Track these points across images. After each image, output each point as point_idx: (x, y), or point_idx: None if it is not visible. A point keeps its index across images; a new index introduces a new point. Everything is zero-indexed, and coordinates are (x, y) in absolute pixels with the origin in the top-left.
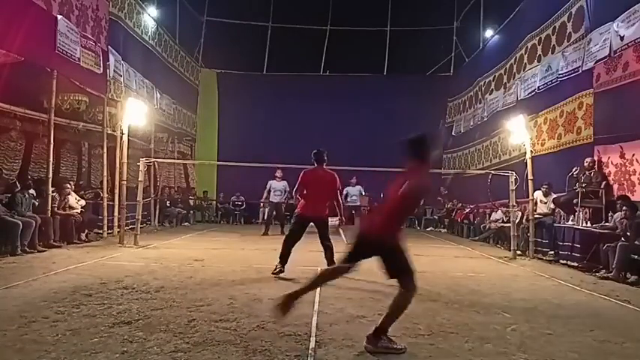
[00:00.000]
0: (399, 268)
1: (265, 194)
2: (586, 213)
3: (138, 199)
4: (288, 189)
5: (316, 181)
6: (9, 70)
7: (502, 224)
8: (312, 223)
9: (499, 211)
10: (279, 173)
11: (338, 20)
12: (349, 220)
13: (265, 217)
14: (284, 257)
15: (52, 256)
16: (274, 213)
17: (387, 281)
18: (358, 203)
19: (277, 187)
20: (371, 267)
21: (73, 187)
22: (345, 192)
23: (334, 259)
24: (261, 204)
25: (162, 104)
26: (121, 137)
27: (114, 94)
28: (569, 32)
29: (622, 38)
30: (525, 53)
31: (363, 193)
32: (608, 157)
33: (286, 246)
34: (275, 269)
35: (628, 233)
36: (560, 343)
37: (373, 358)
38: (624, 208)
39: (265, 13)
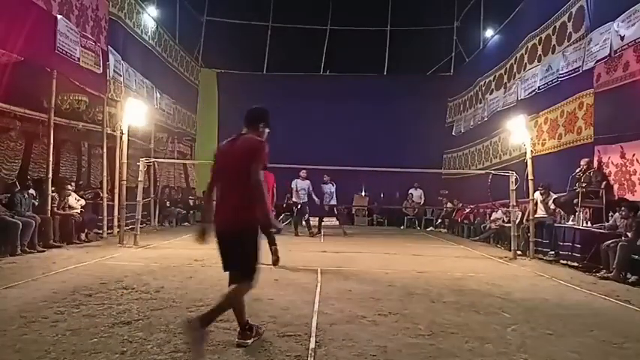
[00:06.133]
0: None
1: (294, 194)
2: (586, 213)
3: (138, 199)
4: (311, 188)
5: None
6: (9, 70)
7: (502, 224)
8: None
9: (499, 211)
10: (303, 173)
11: (338, 20)
12: None
13: (294, 218)
14: None
15: (51, 256)
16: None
17: (386, 282)
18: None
19: (302, 185)
20: (370, 267)
21: (74, 187)
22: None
23: None
24: None
25: (162, 104)
26: (121, 137)
27: (114, 94)
28: (570, 32)
29: (622, 38)
30: (526, 53)
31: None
32: (609, 157)
33: None
34: None
35: (628, 233)
36: (561, 343)
37: (373, 358)
38: (623, 208)
39: (265, 13)
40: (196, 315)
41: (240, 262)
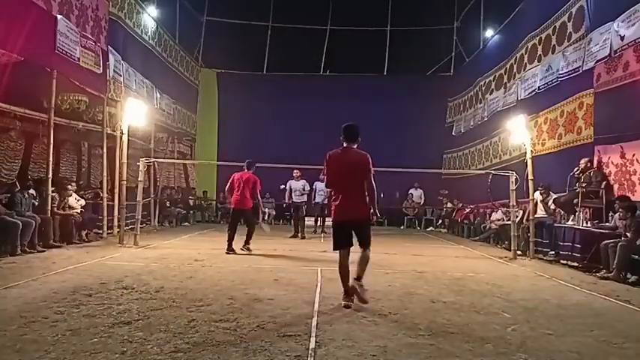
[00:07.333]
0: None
1: (287, 195)
2: (586, 213)
3: (138, 199)
4: (308, 187)
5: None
6: (9, 70)
7: (502, 224)
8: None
9: (499, 211)
10: (296, 172)
11: (338, 20)
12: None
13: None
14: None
15: (51, 256)
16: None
17: (386, 282)
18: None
19: (296, 186)
20: (370, 267)
21: (75, 187)
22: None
23: None
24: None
25: (162, 104)
26: (121, 137)
27: (114, 94)
28: (570, 32)
29: (622, 38)
30: (526, 53)
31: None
32: (609, 157)
33: None
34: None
35: (628, 233)
36: (561, 343)
37: (373, 358)
38: (621, 209)
39: (265, 13)
40: (352, 286)
41: (364, 239)
